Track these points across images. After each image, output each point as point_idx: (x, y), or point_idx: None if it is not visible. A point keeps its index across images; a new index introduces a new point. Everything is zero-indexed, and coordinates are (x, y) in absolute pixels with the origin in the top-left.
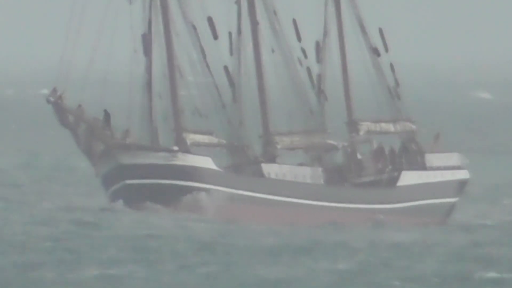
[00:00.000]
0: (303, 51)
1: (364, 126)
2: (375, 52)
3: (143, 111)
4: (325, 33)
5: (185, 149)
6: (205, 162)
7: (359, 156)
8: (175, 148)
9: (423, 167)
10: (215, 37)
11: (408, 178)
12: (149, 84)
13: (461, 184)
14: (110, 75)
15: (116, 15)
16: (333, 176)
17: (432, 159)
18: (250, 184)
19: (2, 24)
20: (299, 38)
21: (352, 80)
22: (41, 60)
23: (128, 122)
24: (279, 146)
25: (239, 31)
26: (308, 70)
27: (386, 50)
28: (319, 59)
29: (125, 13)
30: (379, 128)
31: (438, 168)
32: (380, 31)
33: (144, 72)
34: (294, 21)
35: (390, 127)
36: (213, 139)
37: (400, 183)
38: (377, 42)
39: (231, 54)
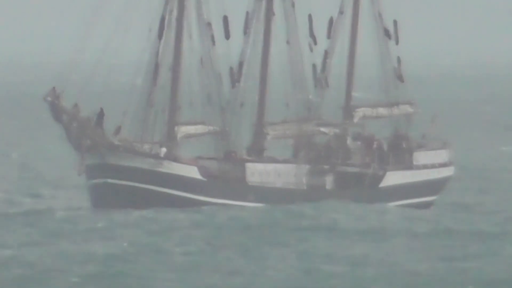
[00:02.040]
0: (314, 37)
1: (360, 112)
2: (386, 33)
3: (144, 95)
4: (341, 12)
5: (174, 147)
6: (190, 171)
7: (348, 142)
8: (163, 149)
9: (409, 166)
10: (227, 37)
11: (392, 178)
12: (155, 68)
13: (444, 182)
14: (119, 64)
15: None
16: (316, 160)
17: (420, 157)
18: (232, 193)
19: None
20: (311, 33)
21: (357, 62)
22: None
23: (123, 119)
24: (269, 137)
25: (255, 14)
26: (314, 67)
27: (397, 42)
28: (329, 35)
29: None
30: (376, 114)
31: (425, 167)
32: (395, 23)
33: (153, 55)
34: (310, 17)
35: (387, 111)
36: (204, 128)
37: (383, 184)
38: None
39: (245, 33)
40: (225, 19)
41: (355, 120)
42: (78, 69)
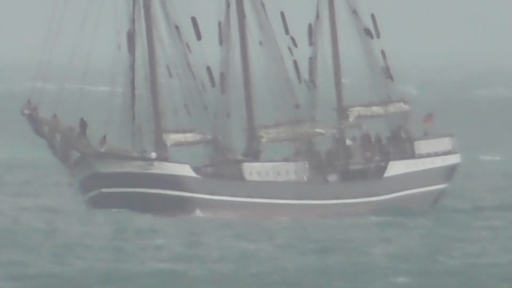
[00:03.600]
0: (293, 39)
1: (354, 111)
2: (367, 33)
3: (125, 110)
4: (317, 16)
5: (164, 154)
6: (183, 169)
7: (348, 142)
8: (153, 154)
9: (412, 155)
10: (199, 37)
11: (396, 168)
12: (132, 82)
13: (452, 169)
14: (91, 72)
15: (100, 11)
16: (319, 166)
17: (422, 146)
18: (229, 189)
19: None
20: (286, 31)
21: (343, 63)
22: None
23: (106, 128)
24: (264, 140)
25: (228, 21)
26: (295, 63)
27: (378, 36)
28: (311, 42)
29: (109, 8)
30: (370, 112)
31: (428, 155)
32: (372, 16)
33: (128, 70)
34: (282, 14)
35: (382, 110)
36: (195, 137)
37: (388, 174)
38: (369, 28)
39: (221, 43)
40: (194, 20)
41: (351, 119)
42: (49, 79)
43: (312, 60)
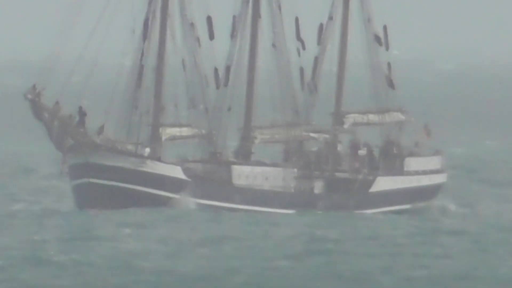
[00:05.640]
0: (302, 42)
1: (350, 118)
2: (377, 40)
3: (127, 97)
4: (330, 17)
5: (158, 148)
6: (174, 171)
7: (339, 148)
8: (147, 150)
9: (400, 172)
10: (211, 37)
11: (382, 184)
12: (140, 69)
13: (436, 189)
14: (102, 58)
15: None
16: (306, 168)
17: (411, 163)
18: (217, 194)
19: None
20: (298, 36)
21: (347, 68)
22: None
23: (105, 118)
24: (257, 141)
25: (242, 17)
26: (301, 70)
27: (387, 48)
28: (319, 41)
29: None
30: (366, 120)
31: (416, 173)
32: (385, 28)
33: (138, 55)
34: (297, 19)
35: (378, 118)
36: (190, 131)
37: (374, 189)
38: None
39: (232, 37)
40: (209, 20)
41: (346, 126)
42: (58, 67)
43: (317, 59)
